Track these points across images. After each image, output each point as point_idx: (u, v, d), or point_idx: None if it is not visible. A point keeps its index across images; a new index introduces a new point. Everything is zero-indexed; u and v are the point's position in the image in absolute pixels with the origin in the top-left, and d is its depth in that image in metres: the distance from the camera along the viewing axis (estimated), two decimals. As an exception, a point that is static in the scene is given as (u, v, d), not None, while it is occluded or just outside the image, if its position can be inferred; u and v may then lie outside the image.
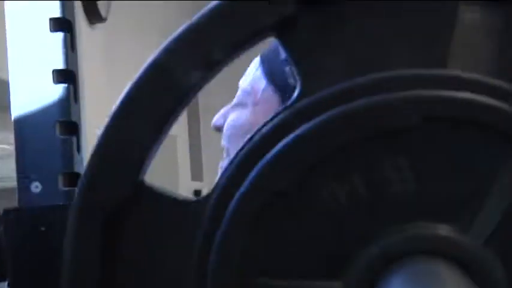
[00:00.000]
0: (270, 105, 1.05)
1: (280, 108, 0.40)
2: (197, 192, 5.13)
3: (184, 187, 4.93)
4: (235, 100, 1.11)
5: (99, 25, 2.80)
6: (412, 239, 0.39)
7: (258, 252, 0.40)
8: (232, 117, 1.10)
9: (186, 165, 4.82)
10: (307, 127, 0.39)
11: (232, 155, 1.16)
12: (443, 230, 0.39)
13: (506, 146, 0.39)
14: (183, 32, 0.40)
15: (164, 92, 0.40)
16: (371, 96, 0.39)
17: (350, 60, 0.41)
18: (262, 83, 1.09)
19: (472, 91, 0.39)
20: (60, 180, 1.00)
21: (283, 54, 1.13)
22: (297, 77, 0.41)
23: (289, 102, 0.40)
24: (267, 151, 0.39)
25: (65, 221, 1.03)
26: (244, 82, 1.11)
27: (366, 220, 0.39)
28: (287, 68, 1.05)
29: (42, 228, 0.97)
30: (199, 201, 0.41)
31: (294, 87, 1.12)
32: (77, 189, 0.40)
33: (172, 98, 0.40)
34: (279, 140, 0.39)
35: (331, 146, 0.39)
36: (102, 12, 2.72)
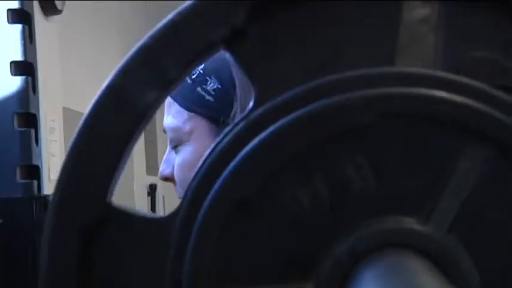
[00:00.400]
0: (203, 129, 1.06)
1: (235, 121, 0.41)
2: (152, 187, 5.12)
3: (139, 181, 4.91)
4: (169, 143, 1.12)
5: (54, 17, 2.77)
6: (376, 234, 0.40)
7: (229, 261, 0.41)
8: (180, 159, 1.09)
9: (141, 159, 4.81)
10: (264, 135, 0.40)
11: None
12: (406, 222, 0.40)
13: (462, 137, 0.40)
14: (135, 52, 0.40)
15: (122, 114, 0.40)
16: (324, 99, 0.39)
17: (301, 66, 0.41)
18: (184, 114, 1.09)
19: (424, 85, 0.40)
20: (18, 172, 0.99)
21: (188, 79, 1.15)
22: (252, 87, 0.42)
23: (245, 113, 0.41)
24: (228, 163, 0.40)
25: (23, 213, 1.03)
26: (167, 121, 1.11)
27: (331, 220, 0.40)
28: (198, 89, 1.06)
29: (1, 221, 0.96)
30: (167, 217, 0.41)
31: (212, 102, 1.13)
32: (48, 209, 0.40)
33: (131, 119, 0.40)
34: (238, 151, 0.40)
35: (289, 151, 0.40)
36: (58, 5, 2.69)
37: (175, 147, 1.07)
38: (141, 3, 4.80)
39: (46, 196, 1.01)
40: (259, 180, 0.40)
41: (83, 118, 0.40)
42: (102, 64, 4.24)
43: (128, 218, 0.41)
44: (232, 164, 0.39)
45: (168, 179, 1.09)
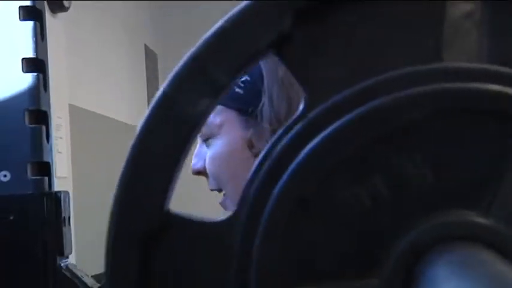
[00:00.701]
0: (233, 121, 1.06)
1: (290, 121, 0.41)
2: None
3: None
4: (199, 137, 1.12)
5: (61, 15, 2.78)
6: (438, 227, 0.40)
7: (293, 259, 0.41)
8: (212, 152, 1.09)
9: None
10: (324, 135, 0.40)
11: (229, 184, 1.16)
12: (468, 215, 0.40)
13: None
14: (186, 62, 0.41)
15: (176, 124, 0.41)
16: (379, 98, 0.40)
17: (348, 67, 0.42)
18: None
19: (475, 80, 0.40)
20: (29, 169, 0.99)
21: None
22: (302, 89, 0.42)
23: (298, 114, 0.41)
24: (288, 163, 0.41)
25: (34, 210, 1.03)
26: None
27: (391, 216, 0.41)
28: None
29: (11, 217, 0.97)
30: (226, 220, 0.42)
31: (241, 94, 1.12)
32: (109, 219, 0.41)
33: (185, 128, 0.41)
34: (297, 151, 0.40)
35: (348, 150, 0.40)
36: (65, 3, 2.70)
37: (206, 140, 1.07)
38: (146, 2, 4.80)
39: (57, 192, 1.02)
40: (320, 179, 0.40)
41: (138, 129, 0.41)
42: (108, 62, 4.25)
43: (187, 223, 0.42)
44: (294, 163, 0.40)
45: (200, 172, 1.09)
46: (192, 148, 1.22)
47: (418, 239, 0.40)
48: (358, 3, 0.42)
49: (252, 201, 0.41)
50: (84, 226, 3.40)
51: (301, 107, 0.42)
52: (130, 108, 4.44)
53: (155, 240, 0.42)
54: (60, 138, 2.87)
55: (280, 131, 0.42)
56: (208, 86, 0.41)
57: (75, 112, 3.44)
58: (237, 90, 1.02)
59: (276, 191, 0.41)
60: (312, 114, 0.41)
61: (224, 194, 1.07)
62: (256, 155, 1.00)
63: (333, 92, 0.41)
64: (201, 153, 1.08)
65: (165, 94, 0.41)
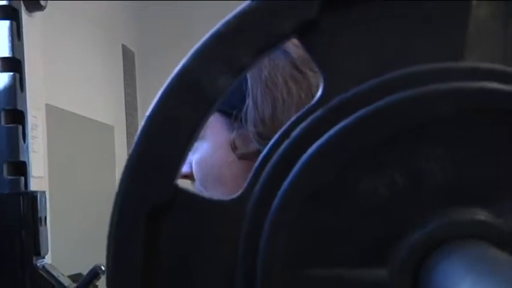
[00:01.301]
0: (218, 124, 1.07)
1: (307, 107, 0.42)
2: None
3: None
4: None
5: (37, 14, 2.76)
6: (450, 225, 0.40)
7: (303, 246, 0.41)
8: (197, 155, 1.08)
9: (123, 156, 4.79)
10: (346, 123, 0.40)
11: (214, 188, 1.15)
12: (479, 214, 0.41)
13: None
14: (209, 38, 0.41)
15: (193, 99, 0.41)
16: (402, 91, 0.40)
17: (371, 58, 0.42)
18: None
19: (497, 80, 0.41)
20: (5, 168, 0.99)
21: None
22: (321, 75, 0.43)
23: (316, 100, 0.42)
24: (306, 147, 0.41)
25: (10, 210, 1.03)
26: None
27: (406, 209, 0.41)
28: None
29: (-13, 217, 0.97)
30: (235, 200, 0.42)
31: (227, 98, 1.12)
32: (117, 189, 0.41)
33: (201, 104, 0.41)
34: (316, 136, 0.41)
35: (368, 141, 0.41)
36: (42, 2, 2.68)
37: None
38: (123, 2, 4.79)
39: (34, 192, 1.02)
40: (337, 168, 0.41)
41: (154, 100, 0.41)
42: (85, 61, 4.24)
43: (194, 200, 0.42)
44: (310, 151, 0.40)
45: (187, 176, 1.09)
46: None
47: (431, 234, 0.40)
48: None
49: (264, 183, 0.41)
50: (60, 226, 3.39)
51: (319, 93, 0.42)
52: (107, 108, 4.43)
53: (162, 214, 0.42)
54: (36, 137, 2.85)
55: (298, 114, 0.42)
56: (229, 65, 0.42)
57: (52, 112, 3.43)
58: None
59: (291, 176, 0.41)
60: (333, 102, 0.41)
61: None
62: (240, 157, 1.01)
63: (354, 82, 0.42)
64: (187, 158, 1.08)
65: (185, 67, 0.41)
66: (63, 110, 3.57)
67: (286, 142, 0.41)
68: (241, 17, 0.41)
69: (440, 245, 0.40)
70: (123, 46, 4.84)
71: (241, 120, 1.00)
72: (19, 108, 0.99)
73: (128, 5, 4.88)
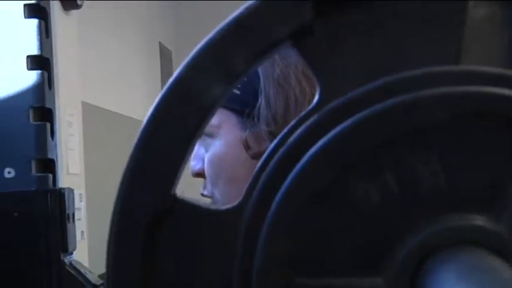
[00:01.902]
0: (231, 122, 1.06)
1: (304, 113, 0.41)
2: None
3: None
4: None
5: (73, 12, 2.78)
6: (448, 230, 0.40)
7: (299, 253, 0.41)
8: (210, 153, 1.08)
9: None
10: (342, 128, 0.40)
11: (226, 187, 1.15)
12: (478, 220, 0.40)
13: None
14: (204, 46, 0.41)
15: (189, 108, 0.41)
16: (397, 96, 0.40)
17: (366, 63, 0.42)
18: None
19: (494, 84, 0.40)
20: (34, 165, 1.00)
21: None
22: (317, 82, 0.42)
23: (312, 106, 0.41)
24: (302, 154, 0.40)
25: (38, 207, 1.04)
26: None
27: (401, 215, 0.40)
28: None
29: (15, 214, 0.97)
30: (232, 209, 0.41)
31: (238, 94, 1.12)
32: (115, 201, 0.41)
33: (197, 112, 0.41)
34: (312, 142, 0.40)
35: (362, 146, 0.40)
36: (78, 1, 2.70)
37: (204, 140, 1.07)
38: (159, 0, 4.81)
39: (61, 189, 1.02)
40: (332, 173, 0.40)
41: (150, 110, 0.41)
42: (122, 59, 4.26)
43: (192, 209, 0.42)
44: (307, 156, 0.40)
45: (199, 174, 1.08)
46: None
47: (426, 241, 0.39)
48: (382, 0, 0.42)
49: (261, 191, 0.41)
50: (97, 223, 3.41)
51: (315, 99, 0.42)
52: (144, 106, 4.45)
53: (161, 224, 0.42)
54: (72, 135, 2.88)
55: (293, 122, 0.42)
56: (225, 72, 0.41)
57: (88, 109, 3.45)
58: (235, 91, 1.01)
59: (287, 182, 0.40)
60: (329, 107, 0.41)
61: (212, 201, 1.06)
62: (253, 157, 1.00)
63: (350, 87, 0.41)
64: (199, 155, 1.08)
65: (180, 75, 0.41)
66: (99, 107, 3.59)
67: (280, 150, 0.40)
68: (236, 23, 0.40)
69: (436, 251, 0.39)
70: (160, 44, 4.87)
71: (253, 119, 0.99)
72: (47, 106, 1.00)
73: (165, 4, 4.90)
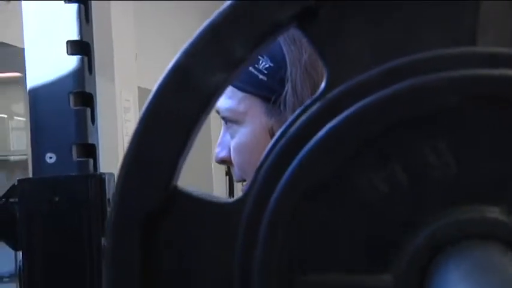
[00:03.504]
0: (257, 109, 1.04)
1: (308, 102, 0.40)
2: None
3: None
4: (223, 125, 1.11)
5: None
6: (458, 223, 0.37)
7: (301, 249, 0.39)
8: (236, 140, 1.07)
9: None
10: (342, 117, 0.38)
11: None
12: (490, 212, 0.38)
13: None
14: (202, 32, 0.39)
15: (188, 95, 0.39)
16: (405, 80, 0.37)
17: (375, 46, 0.40)
18: (237, 94, 1.07)
19: (510, 67, 0.37)
20: (74, 150, 1.01)
21: None
22: (324, 67, 0.40)
23: (318, 93, 0.39)
24: (304, 143, 0.39)
25: (78, 191, 1.04)
26: (221, 102, 1.09)
27: (409, 208, 0.38)
28: (251, 68, 1.04)
29: (56, 199, 0.98)
30: (235, 202, 0.40)
31: (265, 81, 1.10)
32: (114, 189, 0.40)
33: (197, 100, 0.39)
34: (312, 134, 0.38)
35: (367, 134, 0.38)
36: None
37: (231, 127, 1.06)
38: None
39: (102, 174, 1.03)
40: (335, 165, 0.38)
41: (147, 99, 0.40)
42: (178, 43, 4.27)
43: (193, 202, 0.41)
44: (308, 147, 0.38)
45: (225, 161, 1.08)
46: (216, 136, 1.20)
47: (436, 235, 0.37)
48: None
49: (261, 183, 0.40)
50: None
51: (322, 85, 0.40)
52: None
53: (162, 216, 0.41)
54: (129, 121, 2.91)
55: (297, 111, 0.40)
56: (224, 58, 0.40)
57: (145, 94, 3.48)
58: (261, 77, 1.00)
59: (287, 174, 0.39)
60: (331, 94, 0.39)
61: (244, 185, 1.06)
62: None
63: (357, 71, 0.39)
64: (225, 142, 1.07)
65: (178, 63, 0.40)
66: (157, 92, 3.62)
67: (281, 141, 0.39)
68: (236, 8, 0.39)
69: (447, 246, 0.37)
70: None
71: (280, 106, 0.98)
72: (87, 91, 1.00)
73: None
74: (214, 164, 4.70)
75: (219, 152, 1.09)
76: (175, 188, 0.41)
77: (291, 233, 0.39)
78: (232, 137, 1.06)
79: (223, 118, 1.08)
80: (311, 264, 0.40)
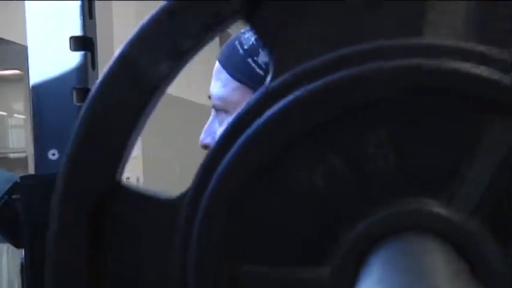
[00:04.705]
0: (242, 96, 1.04)
1: (257, 94, 0.39)
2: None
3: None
4: (212, 112, 1.10)
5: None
6: (394, 216, 0.37)
7: (239, 241, 0.39)
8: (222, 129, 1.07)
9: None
10: (282, 104, 0.37)
11: None
12: (427, 204, 0.37)
13: (489, 113, 0.36)
14: (147, 23, 0.39)
15: (134, 86, 0.39)
16: (344, 70, 0.37)
17: (320, 35, 0.39)
18: (232, 83, 1.07)
19: (450, 58, 0.36)
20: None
21: (240, 48, 1.11)
22: (270, 59, 0.40)
23: (266, 83, 0.39)
24: (241, 133, 0.38)
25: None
26: (214, 89, 1.08)
27: (347, 200, 0.38)
28: (249, 60, 1.04)
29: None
30: (177, 197, 0.40)
31: (262, 76, 1.09)
32: (57, 180, 0.39)
33: (143, 90, 0.39)
34: (252, 121, 0.38)
35: (306, 123, 0.37)
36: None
37: (219, 115, 1.06)
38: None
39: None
40: (270, 154, 0.38)
41: (92, 89, 0.39)
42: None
43: (135, 197, 0.40)
44: (243, 136, 0.38)
45: (207, 147, 1.07)
46: (204, 122, 1.18)
47: (372, 227, 0.37)
48: None
49: (200, 174, 0.39)
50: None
51: (269, 77, 0.40)
52: (202, 88, 4.46)
53: (103, 209, 0.40)
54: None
55: (245, 104, 0.40)
56: (169, 49, 0.40)
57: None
58: (258, 71, 1.00)
59: (223, 162, 0.38)
60: (273, 84, 0.39)
61: None
62: None
63: (301, 61, 0.38)
64: (212, 129, 1.07)
65: (123, 53, 0.40)
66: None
67: (221, 131, 0.38)
68: (180, 0, 0.38)
69: (383, 238, 0.36)
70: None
71: None
72: (90, 87, 0.99)
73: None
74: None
75: (203, 138, 1.09)
76: (119, 183, 0.40)
77: (228, 224, 0.39)
78: (220, 124, 1.05)
79: (214, 106, 1.07)
80: (247, 256, 0.39)
